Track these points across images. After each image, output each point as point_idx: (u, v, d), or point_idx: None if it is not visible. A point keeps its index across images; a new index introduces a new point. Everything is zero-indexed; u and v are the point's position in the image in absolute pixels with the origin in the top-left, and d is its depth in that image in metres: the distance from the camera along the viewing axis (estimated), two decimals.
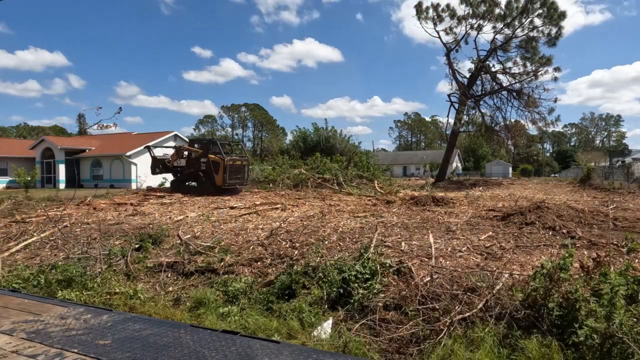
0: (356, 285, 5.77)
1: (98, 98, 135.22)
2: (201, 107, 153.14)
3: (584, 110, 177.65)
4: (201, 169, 18.76)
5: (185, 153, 20.05)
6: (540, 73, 30.27)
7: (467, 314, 4.86)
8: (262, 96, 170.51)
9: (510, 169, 74.53)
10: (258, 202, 14.73)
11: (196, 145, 19.89)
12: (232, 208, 13.50)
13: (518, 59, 31.18)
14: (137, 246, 8.53)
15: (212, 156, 18.49)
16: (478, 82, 33.36)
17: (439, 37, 32.56)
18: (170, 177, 22.10)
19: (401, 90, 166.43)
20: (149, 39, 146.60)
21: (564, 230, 8.35)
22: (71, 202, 14.97)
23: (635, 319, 3.98)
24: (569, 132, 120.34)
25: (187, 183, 20.13)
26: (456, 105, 32.91)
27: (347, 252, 7.13)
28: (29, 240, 9.47)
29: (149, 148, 22.43)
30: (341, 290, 5.78)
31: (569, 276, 4.59)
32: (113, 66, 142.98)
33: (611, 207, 12.41)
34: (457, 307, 4.97)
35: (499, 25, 30.89)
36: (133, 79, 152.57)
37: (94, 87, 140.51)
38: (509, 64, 31.71)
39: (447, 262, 6.40)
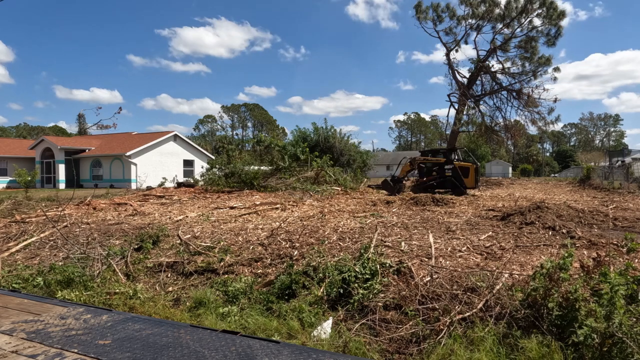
0: (356, 285, 5.77)
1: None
2: (114, 97, 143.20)
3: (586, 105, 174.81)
4: (447, 174, 20.28)
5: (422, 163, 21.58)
6: (539, 73, 30.33)
7: (467, 313, 4.86)
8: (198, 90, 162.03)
9: (510, 168, 74.54)
10: (258, 202, 14.73)
11: (433, 155, 22.04)
12: (232, 208, 13.50)
13: (517, 59, 31.25)
14: (137, 246, 8.53)
15: (461, 163, 20.68)
16: (478, 82, 33.42)
17: (439, 37, 32.62)
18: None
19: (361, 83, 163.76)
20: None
21: (563, 230, 8.34)
22: (70, 202, 14.97)
23: (635, 319, 3.98)
24: (568, 132, 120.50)
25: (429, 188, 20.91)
26: (456, 105, 32.96)
27: (347, 252, 7.13)
28: (29, 241, 9.47)
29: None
30: (341, 290, 5.78)
31: (568, 276, 4.59)
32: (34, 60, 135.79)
33: (611, 207, 12.41)
34: (457, 307, 4.97)
35: (499, 25, 30.94)
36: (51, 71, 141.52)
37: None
38: (509, 64, 31.78)
39: (447, 262, 6.40)
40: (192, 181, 24.61)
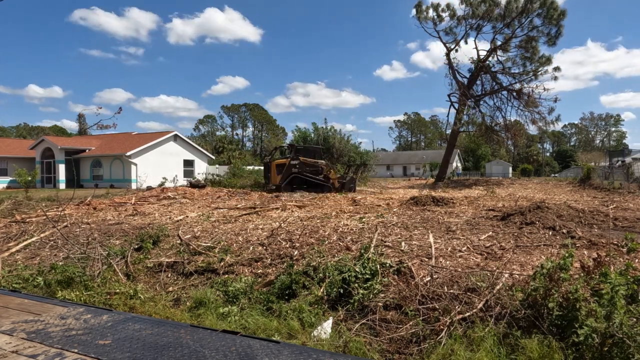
0: (356, 285, 5.77)
1: None
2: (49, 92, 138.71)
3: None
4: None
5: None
6: (540, 73, 30.33)
7: (467, 313, 4.86)
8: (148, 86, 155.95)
9: (510, 168, 74.48)
10: (258, 202, 14.73)
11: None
12: (232, 208, 13.51)
13: (518, 59, 31.25)
14: (137, 246, 8.53)
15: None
16: (478, 82, 33.41)
17: (439, 37, 32.62)
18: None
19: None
20: None
21: (564, 230, 8.34)
22: (71, 202, 14.97)
23: (635, 319, 3.98)
24: (568, 132, 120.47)
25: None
26: (456, 105, 32.95)
27: (347, 252, 7.13)
28: (29, 240, 9.48)
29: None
30: (341, 290, 5.78)
31: (569, 276, 4.59)
32: None
33: (611, 207, 12.41)
34: (457, 307, 4.97)
35: (499, 25, 30.92)
36: None
37: None
38: (509, 64, 31.79)
39: (447, 262, 6.40)
40: (202, 182, 24.59)
